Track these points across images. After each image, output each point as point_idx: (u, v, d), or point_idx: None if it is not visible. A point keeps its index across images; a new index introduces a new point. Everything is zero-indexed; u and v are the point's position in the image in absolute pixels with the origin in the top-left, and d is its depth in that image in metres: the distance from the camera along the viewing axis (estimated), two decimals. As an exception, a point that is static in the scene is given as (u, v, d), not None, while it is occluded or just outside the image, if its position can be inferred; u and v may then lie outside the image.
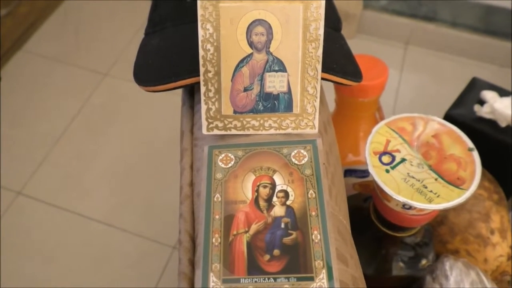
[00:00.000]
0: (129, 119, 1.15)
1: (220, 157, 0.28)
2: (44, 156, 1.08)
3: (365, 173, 0.55)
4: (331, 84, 0.34)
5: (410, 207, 0.36)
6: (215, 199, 0.26)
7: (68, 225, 0.98)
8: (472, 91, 0.57)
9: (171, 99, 1.11)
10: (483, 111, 0.53)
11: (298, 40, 0.28)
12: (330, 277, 0.23)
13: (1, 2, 1.15)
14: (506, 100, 0.53)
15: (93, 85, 1.21)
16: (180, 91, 0.35)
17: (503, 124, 0.52)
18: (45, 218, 0.99)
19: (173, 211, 0.99)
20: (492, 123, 0.53)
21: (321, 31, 0.27)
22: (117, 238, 0.96)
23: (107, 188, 1.04)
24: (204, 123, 0.29)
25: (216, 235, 0.24)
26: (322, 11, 0.27)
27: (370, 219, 0.45)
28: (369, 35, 1.30)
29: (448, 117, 0.55)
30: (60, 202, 1.01)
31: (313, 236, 0.24)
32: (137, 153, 1.09)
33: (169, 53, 0.31)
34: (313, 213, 0.25)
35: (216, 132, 0.29)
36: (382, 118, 0.55)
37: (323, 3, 0.27)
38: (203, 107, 0.28)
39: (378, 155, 0.37)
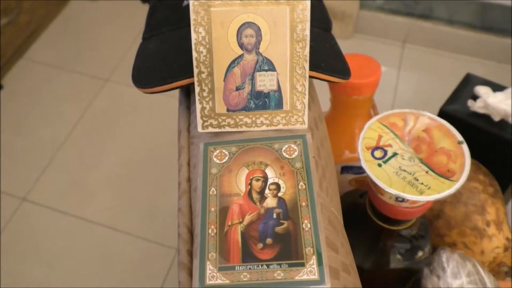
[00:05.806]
0: (131, 124, 1.16)
1: (215, 153, 0.29)
2: (47, 162, 1.09)
3: (361, 169, 0.55)
4: (326, 83, 0.36)
5: (403, 200, 0.37)
6: (210, 192, 0.27)
7: (72, 229, 0.99)
8: (466, 86, 0.58)
9: (171, 103, 1.12)
10: (476, 106, 0.54)
11: (286, 40, 0.29)
12: (320, 262, 0.24)
13: (1, 11, 1.16)
14: (499, 95, 0.53)
15: (94, 91, 1.22)
16: (178, 94, 0.37)
17: (496, 118, 0.53)
18: (49, 224, 1.00)
19: (176, 213, 1.00)
20: (485, 118, 0.54)
21: (307, 32, 0.28)
22: (121, 241, 0.97)
23: (111, 192, 1.05)
24: (199, 122, 0.30)
25: (212, 226, 0.26)
26: (307, 12, 0.28)
27: (367, 213, 0.46)
28: (366, 34, 1.31)
29: (442, 112, 0.56)
30: (64, 207, 1.02)
31: (304, 225, 0.25)
32: (139, 157, 1.10)
33: (166, 56, 0.33)
34: (303, 204, 0.26)
35: (210, 130, 0.30)
36: (376, 115, 0.56)
37: (309, 5, 0.28)
38: (198, 107, 0.29)
39: (370, 150, 0.38)
